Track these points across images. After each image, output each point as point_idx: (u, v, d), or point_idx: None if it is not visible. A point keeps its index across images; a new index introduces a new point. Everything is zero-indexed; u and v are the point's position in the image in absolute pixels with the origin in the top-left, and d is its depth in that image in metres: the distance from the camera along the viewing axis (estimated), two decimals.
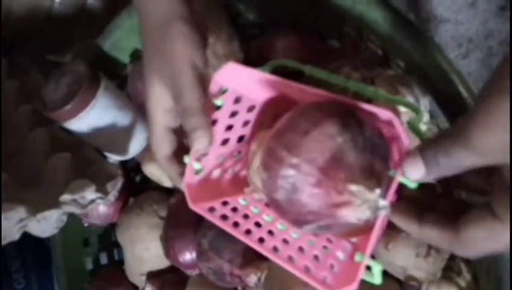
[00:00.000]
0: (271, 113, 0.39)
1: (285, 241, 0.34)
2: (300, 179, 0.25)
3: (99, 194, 0.40)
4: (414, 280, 0.33)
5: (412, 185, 0.25)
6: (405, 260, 0.32)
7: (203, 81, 0.34)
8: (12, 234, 0.35)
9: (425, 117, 0.30)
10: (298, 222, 0.27)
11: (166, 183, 0.50)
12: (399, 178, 0.25)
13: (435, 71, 0.27)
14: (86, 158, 0.45)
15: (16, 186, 0.39)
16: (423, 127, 0.31)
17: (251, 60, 0.43)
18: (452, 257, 0.33)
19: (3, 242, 0.35)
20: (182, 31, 0.34)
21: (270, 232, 0.35)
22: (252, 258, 0.39)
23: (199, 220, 0.42)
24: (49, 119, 0.44)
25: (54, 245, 0.53)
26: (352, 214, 0.24)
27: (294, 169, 0.25)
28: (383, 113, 0.26)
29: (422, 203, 0.27)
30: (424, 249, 0.32)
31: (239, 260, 0.38)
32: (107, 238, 0.57)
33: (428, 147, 0.23)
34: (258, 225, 0.35)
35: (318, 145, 0.24)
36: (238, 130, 0.37)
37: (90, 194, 0.39)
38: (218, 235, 0.39)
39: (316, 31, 0.42)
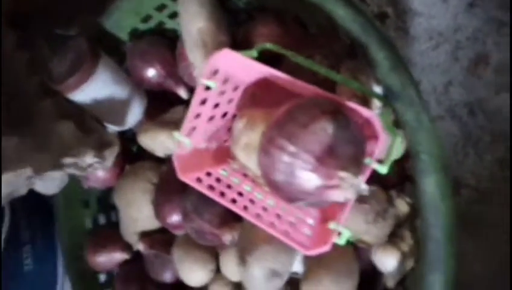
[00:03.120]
0: (250, 91, 0.43)
1: (264, 208, 0.39)
2: (298, 165, 0.29)
3: (97, 159, 0.45)
4: (364, 243, 0.38)
5: (382, 171, 0.30)
6: (356, 225, 0.36)
7: None
8: (21, 189, 0.41)
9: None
10: (291, 199, 0.32)
11: (159, 153, 0.53)
12: (373, 165, 0.31)
13: (386, 64, 0.32)
14: (87, 127, 0.49)
15: (26, 150, 0.44)
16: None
17: (238, 43, 0.47)
18: (399, 225, 0.38)
19: (14, 195, 0.40)
20: None
21: (251, 201, 0.39)
22: (228, 219, 0.42)
23: (186, 187, 0.47)
24: (55, 91, 0.48)
25: (57, 206, 0.58)
26: (341, 195, 0.29)
27: (294, 157, 0.29)
28: (364, 111, 0.31)
29: None
30: (372, 217, 0.36)
31: (217, 221, 0.42)
32: (105, 201, 0.61)
33: None
34: (240, 194, 0.40)
35: (315, 138, 0.29)
36: (224, 108, 0.41)
37: (89, 158, 0.44)
38: (199, 199, 0.43)
39: (299, 20, 0.46)
